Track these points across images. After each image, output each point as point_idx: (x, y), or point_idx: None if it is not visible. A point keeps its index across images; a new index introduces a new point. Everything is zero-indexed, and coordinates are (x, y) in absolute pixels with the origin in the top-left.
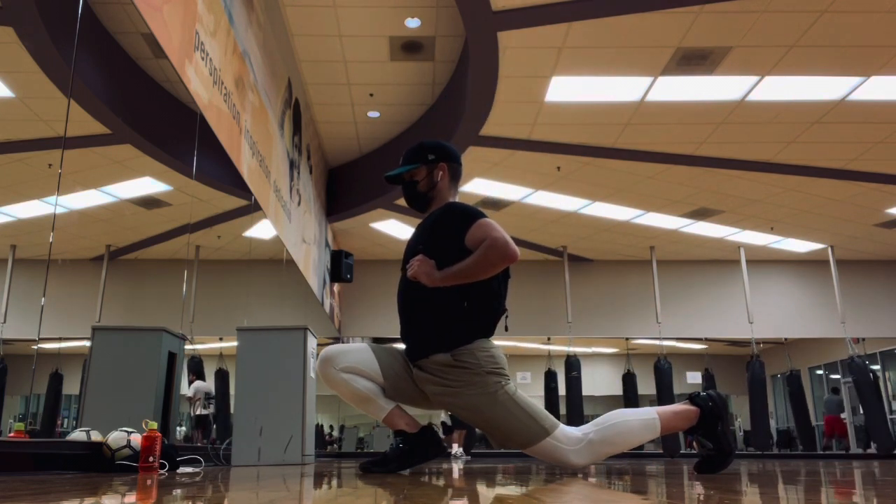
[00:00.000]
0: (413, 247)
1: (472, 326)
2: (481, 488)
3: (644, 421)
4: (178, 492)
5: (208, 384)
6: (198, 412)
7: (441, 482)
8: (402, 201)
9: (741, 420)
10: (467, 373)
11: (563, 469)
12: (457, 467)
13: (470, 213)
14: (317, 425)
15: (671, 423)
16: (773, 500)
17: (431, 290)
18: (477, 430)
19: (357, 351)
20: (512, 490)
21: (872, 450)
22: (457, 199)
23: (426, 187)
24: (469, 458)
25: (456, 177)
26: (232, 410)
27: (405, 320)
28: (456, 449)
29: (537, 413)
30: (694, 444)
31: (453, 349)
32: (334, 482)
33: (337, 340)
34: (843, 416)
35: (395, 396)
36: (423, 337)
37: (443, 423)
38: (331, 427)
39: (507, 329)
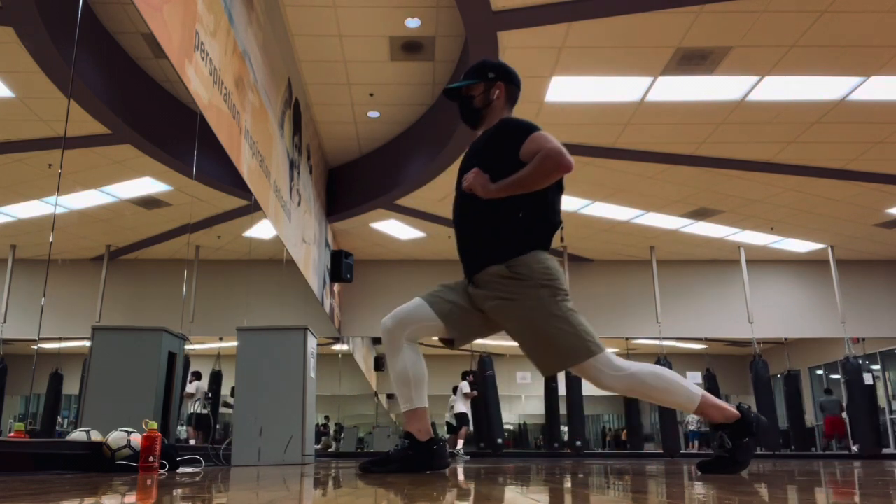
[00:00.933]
0: (467, 162)
1: (526, 237)
2: (481, 488)
3: (688, 391)
4: (178, 492)
5: (205, 384)
6: (197, 411)
7: (441, 482)
8: (402, 201)
9: None
10: (521, 284)
11: (570, 465)
12: (458, 467)
13: (525, 127)
14: (317, 424)
15: (709, 408)
16: (780, 500)
17: (486, 203)
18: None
19: (420, 307)
20: (512, 490)
21: (856, 450)
22: None
23: (481, 104)
24: (468, 457)
25: (512, 99)
26: (219, 410)
27: (461, 236)
28: (459, 447)
29: (588, 332)
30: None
31: (508, 260)
32: (334, 482)
33: (337, 340)
34: (843, 416)
35: (463, 334)
36: (479, 250)
37: (447, 424)
38: (325, 418)
39: (562, 240)
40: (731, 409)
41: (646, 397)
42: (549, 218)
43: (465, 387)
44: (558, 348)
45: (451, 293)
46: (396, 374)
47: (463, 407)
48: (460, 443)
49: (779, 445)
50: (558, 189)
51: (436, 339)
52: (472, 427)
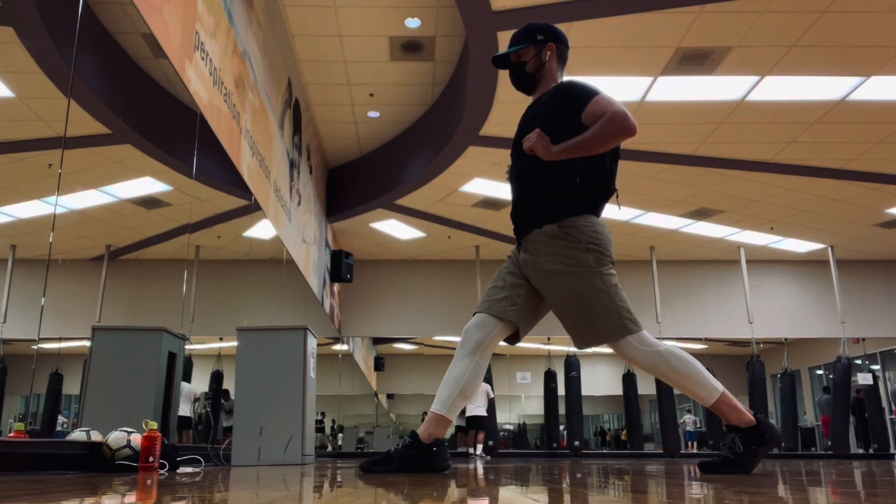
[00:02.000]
0: (527, 124)
1: (581, 201)
2: (482, 488)
3: (709, 382)
4: (178, 492)
5: (194, 386)
6: (184, 414)
7: (441, 482)
8: (402, 201)
9: None
10: (568, 245)
11: (569, 466)
12: (471, 467)
13: (588, 90)
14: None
15: (726, 407)
16: (780, 500)
17: (544, 165)
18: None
19: (487, 322)
20: (512, 490)
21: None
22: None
23: (534, 67)
24: (489, 458)
25: (563, 59)
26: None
27: (516, 197)
28: (479, 449)
29: (628, 309)
30: (694, 444)
31: (560, 220)
32: (334, 482)
33: (337, 340)
34: None
35: (523, 321)
36: (534, 210)
37: (457, 427)
38: (322, 414)
39: (619, 207)
40: (749, 414)
41: (666, 378)
42: (606, 183)
43: (490, 390)
44: (596, 324)
45: (499, 290)
46: (451, 376)
47: (484, 410)
48: (479, 446)
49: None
50: (615, 156)
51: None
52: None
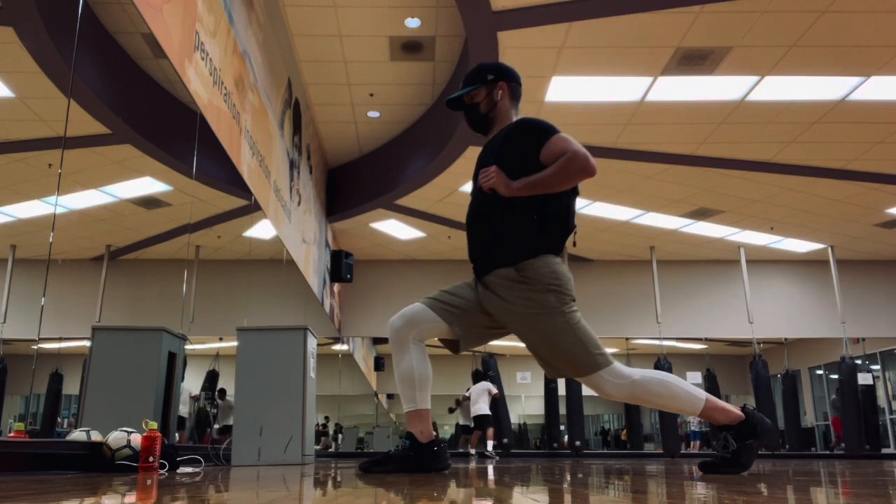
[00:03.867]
0: (483, 162)
1: (538, 241)
2: (482, 488)
3: (691, 395)
4: (178, 492)
5: (189, 384)
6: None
7: (441, 482)
8: (402, 201)
9: None
10: (527, 288)
11: (569, 466)
12: (471, 467)
13: (548, 127)
14: (316, 424)
15: (713, 412)
16: (780, 500)
17: (502, 204)
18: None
19: (423, 311)
20: (512, 490)
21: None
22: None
23: (487, 108)
24: (497, 457)
25: (516, 96)
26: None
27: (473, 237)
28: (490, 446)
29: (594, 345)
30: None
31: (517, 263)
32: (334, 482)
33: (337, 340)
34: None
35: (469, 337)
36: (490, 251)
37: (464, 426)
38: (325, 419)
39: (574, 244)
40: (736, 410)
41: (649, 404)
42: (564, 221)
43: (492, 387)
44: (565, 361)
45: (455, 296)
46: (401, 374)
47: (487, 408)
48: (490, 443)
49: (779, 445)
50: (573, 193)
51: (438, 342)
52: (491, 427)
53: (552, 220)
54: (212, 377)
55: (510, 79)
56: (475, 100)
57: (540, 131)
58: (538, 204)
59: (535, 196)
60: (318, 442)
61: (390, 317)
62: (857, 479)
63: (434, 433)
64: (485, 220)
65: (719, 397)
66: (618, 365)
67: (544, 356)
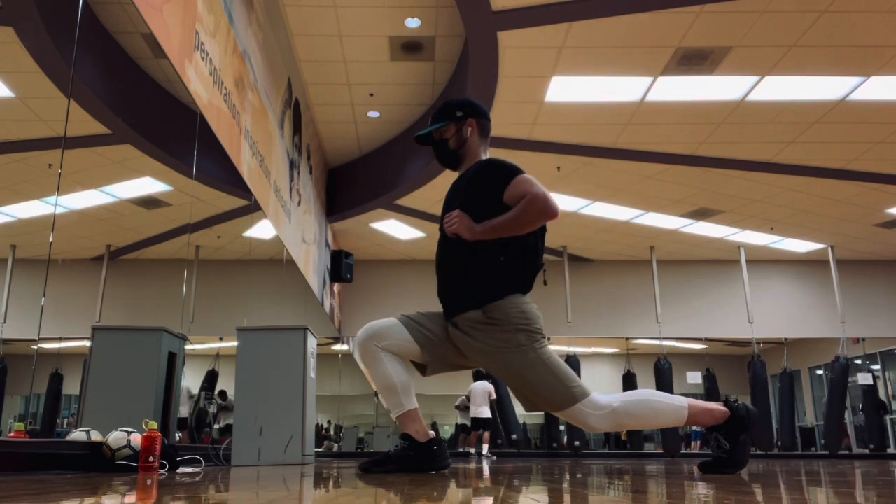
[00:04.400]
0: (450, 204)
1: (505, 281)
2: (482, 488)
3: (674, 407)
4: (178, 492)
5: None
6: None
7: (441, 482)
8: (402, 201)
9: None
10: (496, 329)
11: (569, 467)
12: (471, 467)
13: (509, 169)
14: (317, 425)
15: (699, 417)
16: (778, 500)
17: (468, 246)
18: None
19: (395, 326)
20: (512, 490)
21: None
22: (487, 156)
23: (456, 144)
24: (494, 458)
25: (485, 132)
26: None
27: (441, 279)
28: (485, 449)
29: (569, 378)
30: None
31: (484, 305)
32: (334, 482)
33: (337, 340)
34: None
35: (436, 364)
36: (458, 294)
37: (463, 426)
38: (328, 422)
39: (545, 283)
40: (719, 407)
41: (637, 427)
42: (530, 262)
43: (493, 390)
44: (542, 397)
45: (429, 322)
46: (380, 384)
47: (488, 411)
48: (485, 447)
49: (773, 445)
50: (541, 232)
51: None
52: (490, 429)
53: (518, 261)
54: (211, 377)
55: (479, 115)
56: (444, 136)
57: (503, 173)
58: (503, 246)
59: (500, 238)
60: (321, 445)
61: (390, 317)
62: (816, 478)
63: (432, 433)
64: (452, 264)
65: (719, 398)
66: (596, 395)
67: (520, 392)
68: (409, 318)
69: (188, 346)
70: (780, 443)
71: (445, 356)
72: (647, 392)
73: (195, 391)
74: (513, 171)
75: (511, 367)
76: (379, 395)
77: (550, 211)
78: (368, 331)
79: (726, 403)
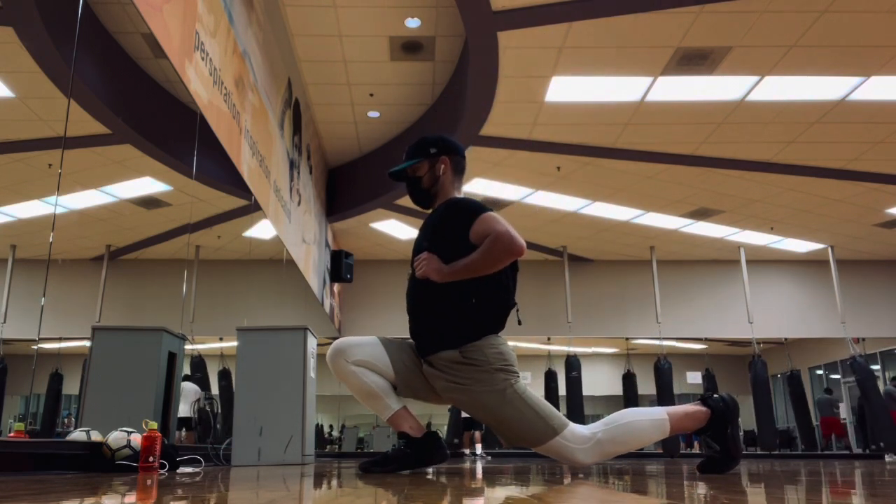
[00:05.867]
0: (419, 244)
1: (480, 322)
2: (482, 488)
3: (654, 421)
4: (178, 492)
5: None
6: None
7: (442, 482)
8: (402, 201)
9: (742, 420)
10: (475, 370)
11: (568, 467)
12: (467, 467)
13: (472, 208)
14: (317, 425)
15: (681, 423)
16: (778, 500)
17: (440, 287)
18: (486, 426)
19: (369, 344)
20: (512, 490)
21: (878, 450)
22: (461, 194)
23: (429, 182)
24: (489, 458)
25: (459, 170)
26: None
27: (414, 318)
28: (479, 449)
29: (546, 412)
30: (697, 444)
31: (461, 346)
32: (334, 482)
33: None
34: (842, 416)
35: (405, 391)
36: (432, 334)
37: (457, 424)
38: (330, 427)
39: (520, 322)
40: (698, 408)
41: (624, 451)
42: (503, 301)
43: None
44: (520, 432)
45: (403, 353)
46: (361, 395)
47: None
48: (479, 446)
49: (775, 445)
50: (513, 269)
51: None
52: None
53: (490, 301)
54: (225, 375)
55: (453, 152)
56: (417, 174)
57: (466, 212)
58: (474, 286)
59: (472, 278)
60: (323, 446)
61: (390, 317)
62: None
63: (425, 428)
64: (425, 305)
65: None
66: (574, 426)
67: (498, 428)
68: (390, 341)
69: (207, 346)
70: (803, 445)
71: (416, 388)
72: (624, 413)
73: (202, 391)
74: (476, 210)
75: (489, 406)
76: (364, 404)
77: (516, 248)
78: (336, 348)
79: (703, 401)
